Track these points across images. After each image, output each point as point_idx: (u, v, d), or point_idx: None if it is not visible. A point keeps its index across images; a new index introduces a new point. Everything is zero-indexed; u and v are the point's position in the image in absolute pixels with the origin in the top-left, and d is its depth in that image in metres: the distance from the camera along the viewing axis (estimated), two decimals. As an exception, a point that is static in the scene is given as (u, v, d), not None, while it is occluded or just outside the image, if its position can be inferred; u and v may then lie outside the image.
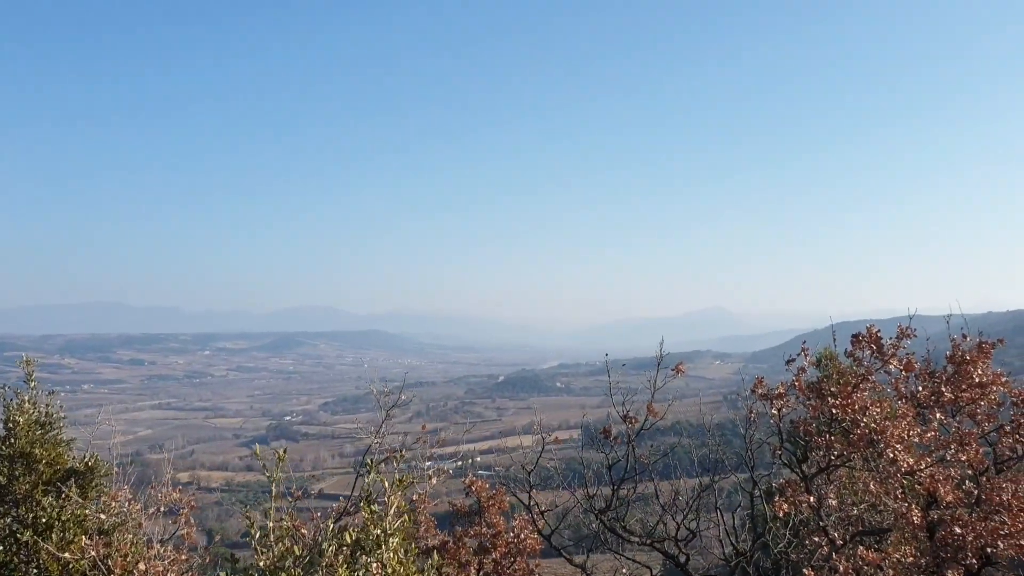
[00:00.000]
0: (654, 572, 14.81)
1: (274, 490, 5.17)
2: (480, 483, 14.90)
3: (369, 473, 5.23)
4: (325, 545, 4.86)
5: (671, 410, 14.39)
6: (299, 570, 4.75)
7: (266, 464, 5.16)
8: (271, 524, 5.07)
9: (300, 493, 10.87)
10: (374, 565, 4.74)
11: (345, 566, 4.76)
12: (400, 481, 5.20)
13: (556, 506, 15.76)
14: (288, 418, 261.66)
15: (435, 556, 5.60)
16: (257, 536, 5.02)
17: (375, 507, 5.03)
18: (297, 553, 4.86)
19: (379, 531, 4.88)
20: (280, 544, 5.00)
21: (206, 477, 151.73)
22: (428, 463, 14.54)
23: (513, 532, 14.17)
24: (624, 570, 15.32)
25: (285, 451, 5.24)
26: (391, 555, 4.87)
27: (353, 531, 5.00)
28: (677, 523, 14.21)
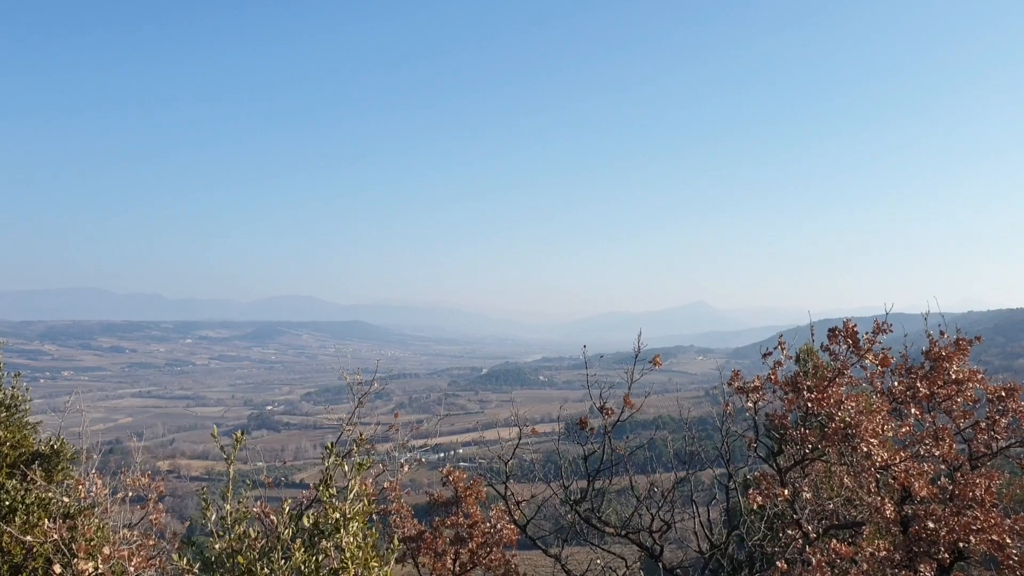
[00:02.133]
0: (629, 563, 14.81)
1: (231, 473, 5.09)
2: (458, 473, 14.86)
3: (329, 457, 5.16)
4: (281, 528, 4.79)
5: (653, 404, 14.37)
6: (255, 553, 4.68)
7: (224, 448, 5.08)
8: (228, 508, 5.00)
9: (271, 480, 10.79)
10: (332, 549, 4.68)
11: (303, 550, 4.69)
12: (360, 465, 5.13)
13: (533, 497, 15.74)
14: (270, 408, 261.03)
15: (395, 541, 5.54)
16: (212, 519, 4.95)
17: (333, 490, 4.97)
18: (253, 536, 4.78)
19: (338, 515, 4.82)
20: (238, 528, 4.92)
21: (186, 466, 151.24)
22: (408, 454, 14.49)
23: (490, 522, 14.14)
24: (599, 561, 15.32)
25: (243, 434, 5.15)
26: (350, 539, 4.81)
27: (312, 515, 4.93)
28: (652, 515, 14.22)
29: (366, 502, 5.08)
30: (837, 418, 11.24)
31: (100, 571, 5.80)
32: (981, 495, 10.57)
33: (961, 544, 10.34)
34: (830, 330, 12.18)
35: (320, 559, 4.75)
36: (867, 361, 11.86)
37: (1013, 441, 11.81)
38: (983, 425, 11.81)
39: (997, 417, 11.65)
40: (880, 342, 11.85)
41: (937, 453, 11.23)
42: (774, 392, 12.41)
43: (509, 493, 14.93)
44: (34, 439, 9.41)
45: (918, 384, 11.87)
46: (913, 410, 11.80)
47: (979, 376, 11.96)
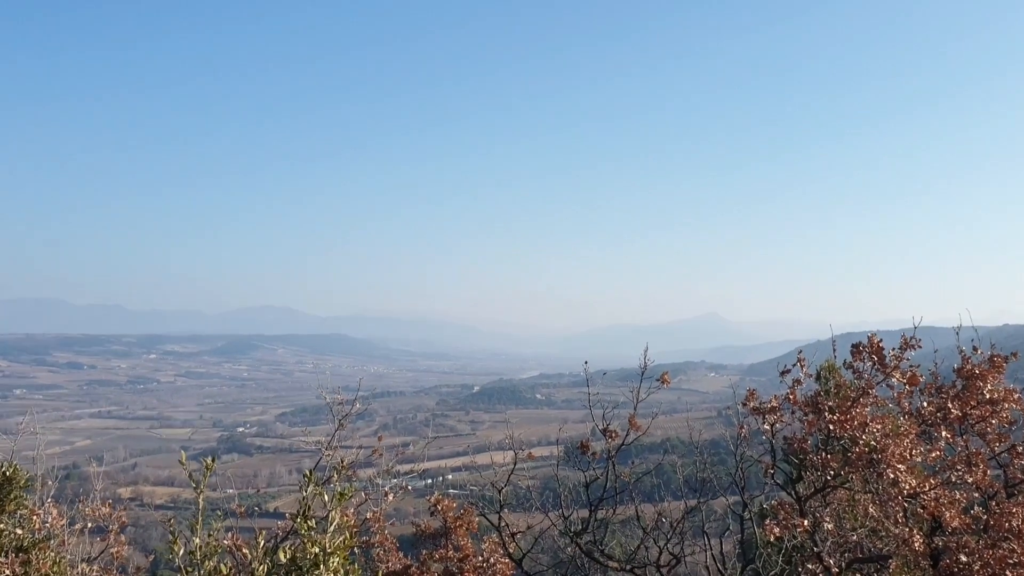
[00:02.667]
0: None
1: (201, 503, 5.08)
2: (447, 502, 14.83)
3: (308, 485, 5.16)
4: (256, 564, 4.78)
5: (661, 426, 14.40)
6: (227, 592, 4.68)
7: (192, 475, 5.07)
8: (198, 542, 4.99)
9: (244, 510, 10.78)
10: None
11: (279, 587, 4.69)
12: (341, 495, 5.12)
13: (529, 528, 15.71)
14: (241, 429, 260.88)
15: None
16: (180, 554, 4.94)
17: (312, 523, 4.96)
18: (225, 573, 4.77)
19: (317, 549, 4.81)
20: (208, 563, 4.91)
21: (150, 493, 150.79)
22: (393, 480, 14.46)
23: (482, 556, 14.11)
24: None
25: (214, 460, 5.15)
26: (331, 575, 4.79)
27: (289, 549, 4.93)
28: (660, 548, 14.19)
29: (348, 535, 5.08)
30: (861, 442, 11.24)
31: (56, 610, 5.78)
32: (1018, 526, 10.57)
33: (996, 579, 10.35)
34: (853, 346, 12.19)
35: (298, 597, 4.74)
36: (894, 379, 11.88)
37: (1053, 467, 11.83)
38: (1020, 449, 11.83)
39: (1035, 441, 11.68)
40: (908, 359, 11.86)
41: (970, 480, 11.24)
42: (793, 413, 12.41)
43: (503, 523, 14.89)
44: (-16, 466, 9.37)
45: (949, 404, 11.88)
46: (944, 433, 11.80)
47: (1016, 395, 11.97)
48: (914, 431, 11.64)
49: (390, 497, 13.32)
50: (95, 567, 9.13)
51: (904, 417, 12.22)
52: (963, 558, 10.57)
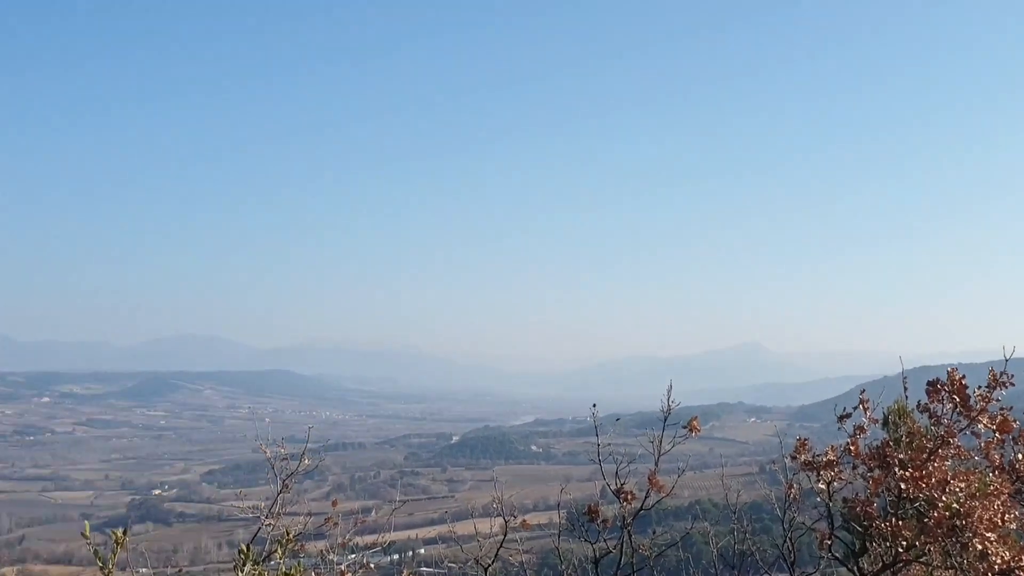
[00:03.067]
0: None
1: (110, 588, 5.05)
2: (420, 583, 14.81)
3: (244, 564, 5.14)
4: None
5: (690, 485, 14.50)
6: None
7: (97, 551, 5.04)
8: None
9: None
10: None
11: None
12: (286, 575, 5.10)
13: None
14: (158, 492, 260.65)
15: None
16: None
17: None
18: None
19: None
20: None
21: (42, 573, 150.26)
22: (351, 556, 14.40)
23: (464, 652, 14.09)
24: None
25: (125, 533, 5.12)
26: None
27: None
28: (689, 640, 14.19)
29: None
30: (941, 504, 11.25)
31: None
32: None
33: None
34: (930, 383, 12.14)
35: None
36: (980, 425, 11.87)
37: None
38: None
39: None
40: (998, 399, 11.85)
41: (1077, 551, 11.25)
42: (855, 468, 12.41)
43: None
44: None
45: (1050, 456, 11.90)
46: (1044, 492, 11.82)
47: None
48: (1007, 490, 11.63)
49: (347, 577, 13.25)
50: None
51: (994, 473, 12.20)
52: (1068, 649, 10.57)
